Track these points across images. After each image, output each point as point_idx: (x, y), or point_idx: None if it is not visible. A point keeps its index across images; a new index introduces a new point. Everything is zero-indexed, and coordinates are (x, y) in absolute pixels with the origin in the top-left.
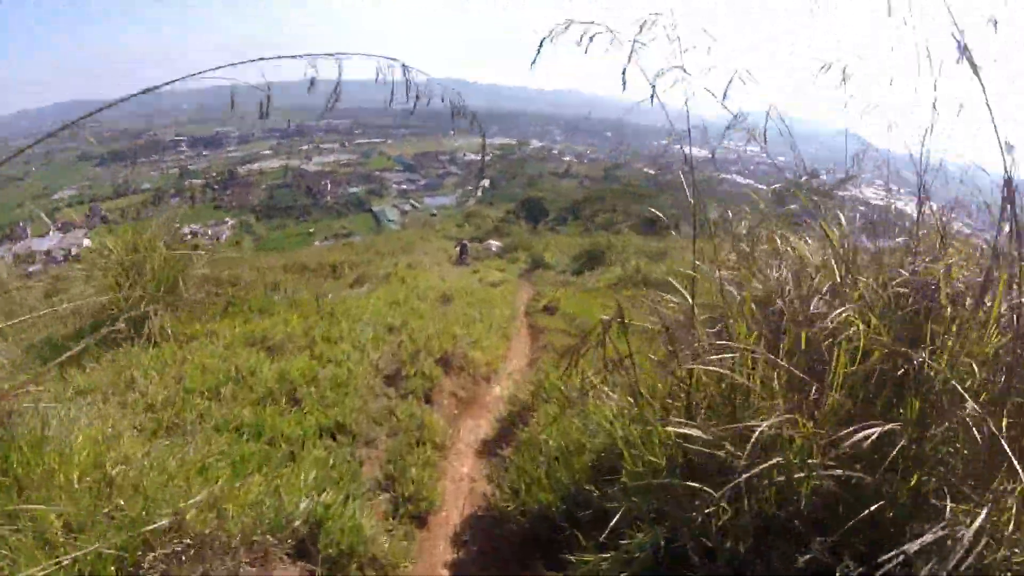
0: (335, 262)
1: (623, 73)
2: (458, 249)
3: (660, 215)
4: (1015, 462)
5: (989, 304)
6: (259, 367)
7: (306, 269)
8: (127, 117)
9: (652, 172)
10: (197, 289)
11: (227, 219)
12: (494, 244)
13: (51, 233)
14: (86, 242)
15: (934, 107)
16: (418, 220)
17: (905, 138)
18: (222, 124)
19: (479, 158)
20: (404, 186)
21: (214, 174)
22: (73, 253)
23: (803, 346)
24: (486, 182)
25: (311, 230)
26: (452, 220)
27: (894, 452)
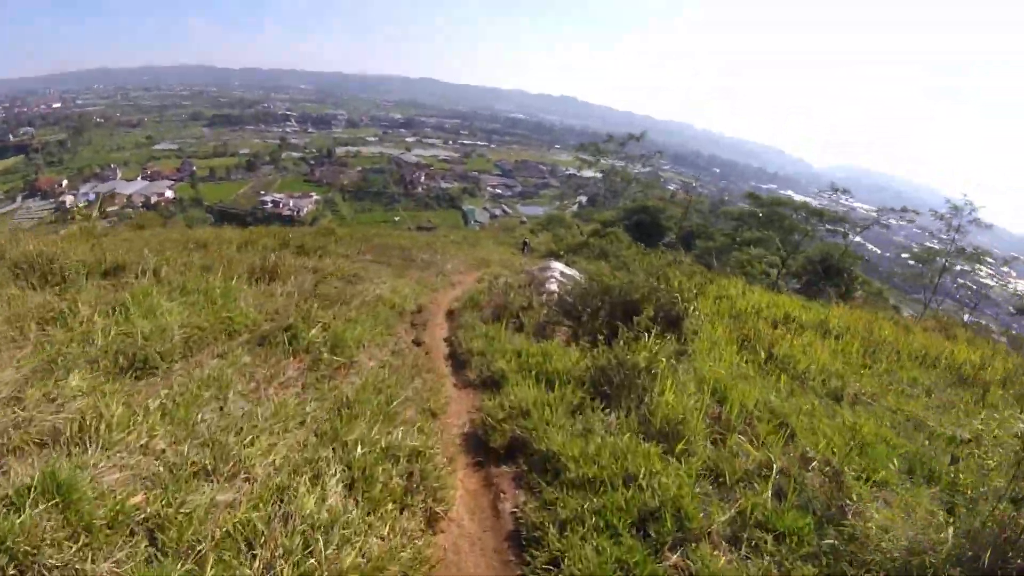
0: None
1: None
2: (522, 247)
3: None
4: None
5: None
6: None
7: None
8: (246, 87)
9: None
10: None
11: (312, 194)
12: (559, 270)
13: (138, 179)
14: (168, 193)
15: None
16: (505, 225)
17: None
18: (335, 107)
19: (579, 173)
20: (499, 190)
21: (313, 150)
22: (152, 202)
23: None
24: (583, 198)
25: (396, 218)
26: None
27: None
